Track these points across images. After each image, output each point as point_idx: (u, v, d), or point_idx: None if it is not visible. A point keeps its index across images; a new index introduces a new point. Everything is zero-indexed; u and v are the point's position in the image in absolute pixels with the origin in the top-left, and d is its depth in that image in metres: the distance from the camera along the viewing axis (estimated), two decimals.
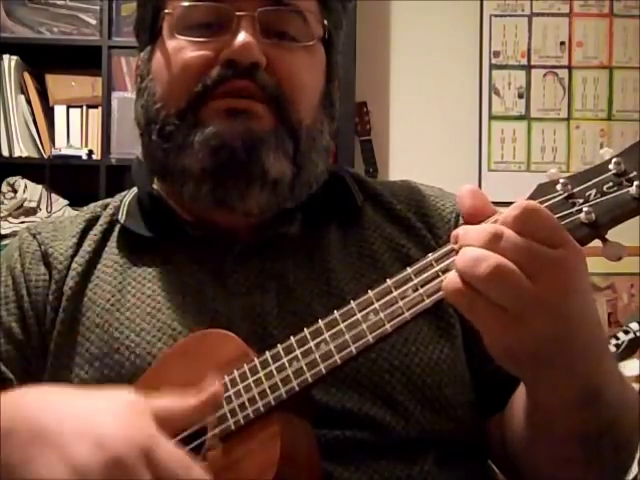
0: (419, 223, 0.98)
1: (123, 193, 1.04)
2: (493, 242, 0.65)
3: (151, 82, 0.94)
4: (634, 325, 2.64)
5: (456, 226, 0.97)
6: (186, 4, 0.92)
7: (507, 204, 0.68)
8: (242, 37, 0.88)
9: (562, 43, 3.04)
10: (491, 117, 3.03)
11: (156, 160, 0.94)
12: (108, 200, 1.05)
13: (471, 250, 0.66)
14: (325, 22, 0.95)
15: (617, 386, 0.78)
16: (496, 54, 3.04)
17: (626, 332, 2.63)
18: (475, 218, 0.69)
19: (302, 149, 0.92)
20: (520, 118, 3.04)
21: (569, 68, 3.04)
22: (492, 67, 3.03)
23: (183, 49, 0.91)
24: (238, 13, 0.89)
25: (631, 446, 0.83)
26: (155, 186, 1.00)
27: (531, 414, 0.79)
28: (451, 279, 0.66)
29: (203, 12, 0.91)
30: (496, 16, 3.03)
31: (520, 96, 3.03)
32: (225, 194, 0.89)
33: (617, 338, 2.61)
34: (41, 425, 0.69)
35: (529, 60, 3.04)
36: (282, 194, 0.91)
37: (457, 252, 0.68)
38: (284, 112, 0.90)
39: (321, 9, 0.95)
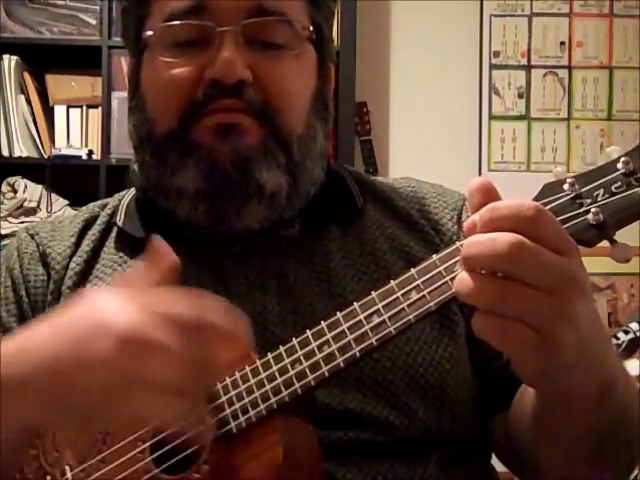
0: (422, 220, 0.97)
1: (122, 193, 1.04)
2: (510, 257, 0.63)
3: (140, 101, 0.94)
4: (634, 325, 2.63)
5: (459, 223, 0.97)
6: (167, 23, 0.90)
7: None
8: (224, 55, 0.87)
9: (562, 43, 3.04)
10: (491, 117, 3.02)
11: (150, 180, 0.94)
12: (107, 200, 1.05)
13: (475, 276, 0.64)
14: (314, 18, 0.94)
15: (623, 377, 0.78)
16: (496, 54, 3.03)
17: (626, 332, 2.62)
18: None
19: (295, 159, 0.91)
20: (520, 118, 3.03)
21: (569, 68, 3.04)
22: (492, 67, 3.03)
23: (168, 69, 0.90)
24: (220, 29, 0.87)
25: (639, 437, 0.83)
26: None
27: (547, 418, 0.79)
28: (476, 317, 0.65)
29: (184, 30, 0.90)
30: (496, 16, 3.03)
31: (520, 96, 3.03)
32: (222, 214, 0.90)
33: (617, 338, 2.60)
34: (51, 358, 0.67)
35: (529, 60, 3.04)
36: (280, 206, 0.91)
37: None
38: (274, 125, 0.89)
39: (308, 4, 0.94)
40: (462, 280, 0.65)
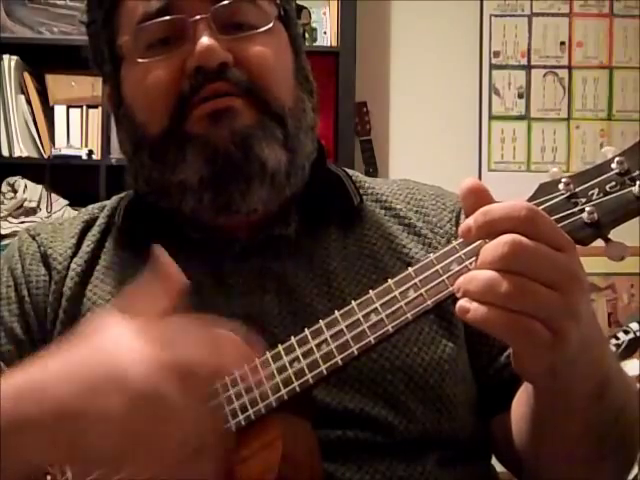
0: (420, 222, 0.98)
1: (120, 195, 1.04)
2: (514, 257, 0.64)
3: (128, 110, 0.94)
4: (634, 325, 2.64)
5: (457, 224, 0.97)
6: (141, 25, 0.90)
7: None
8: (202, 41, 0.87)
9: (562, 43, 3.04)
10: (491, 117, 3.03)
11: (152, 182, 0.94)
12: (105, 202, 1.05)
13: (484, 274, 0.65)
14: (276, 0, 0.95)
15: (619, 375, 0.79)
16: (496, 54, 3.04)
17: (626, 332, 2.63)
18: None
19: (291, 132, 0.91)
20: (520, 118, 3.04)
21: (569, 68, 3.04)
22: (492, 67, 3.03)
23: (150, 71, 0.90)
24: (192, 19, 0.88)
25: (636, 437, 0.83)
26: None
27: (545, 418, 0.79)
28: (488, 311, 0.65)
29: (158, 28, 0.90)
30: (496, 16, 3.03)
31: (520, 96, 3.03)
32: (228, 199, 0.89)
33: (617, 338, 2.61)
34: (59, 403, 0.65)
35: (529, 60, 3.04)
36: (281, 184, 0.91)
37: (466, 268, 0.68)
38: (264, 101, 0.90)
39: None
40: (473, 277, 0.66)
